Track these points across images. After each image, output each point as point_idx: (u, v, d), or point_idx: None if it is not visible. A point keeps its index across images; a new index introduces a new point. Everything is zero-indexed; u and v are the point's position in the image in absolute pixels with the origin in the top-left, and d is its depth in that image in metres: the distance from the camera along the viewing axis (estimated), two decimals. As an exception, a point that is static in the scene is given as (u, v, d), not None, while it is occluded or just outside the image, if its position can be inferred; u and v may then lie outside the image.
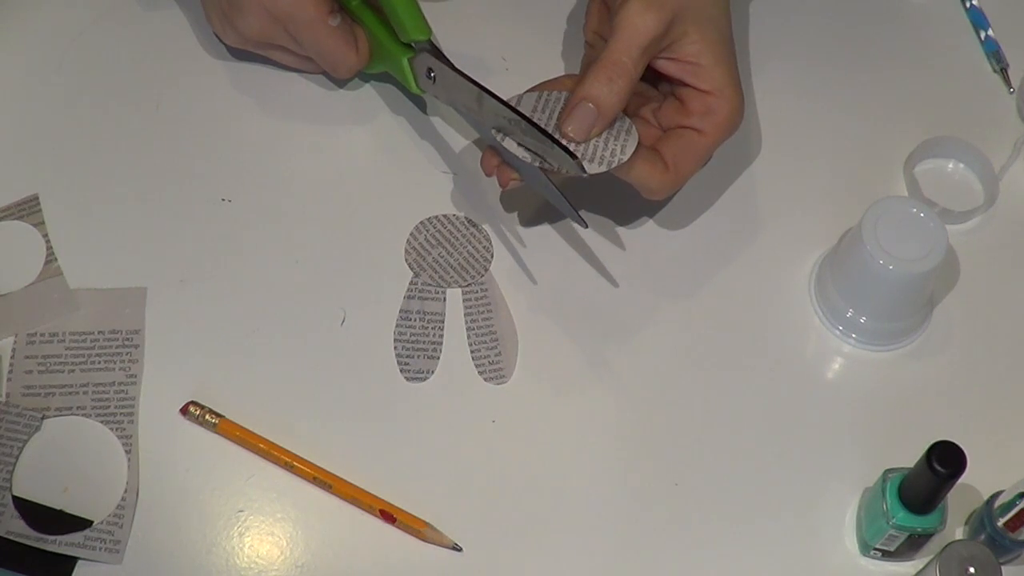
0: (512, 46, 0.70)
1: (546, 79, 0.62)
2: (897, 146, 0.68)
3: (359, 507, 0.58)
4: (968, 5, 0.73)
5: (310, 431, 0.59)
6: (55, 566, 0.56)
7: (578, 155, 0.56)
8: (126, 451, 0.59)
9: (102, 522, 0.57)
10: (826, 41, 0.72)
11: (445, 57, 0.62)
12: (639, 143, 0.58)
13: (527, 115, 0.58)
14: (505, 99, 0.59)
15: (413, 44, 0.62)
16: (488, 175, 0.61)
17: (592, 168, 0.57)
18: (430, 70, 0.62)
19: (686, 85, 0.60)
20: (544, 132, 0.57)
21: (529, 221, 0.66)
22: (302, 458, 0.58)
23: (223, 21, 0.65)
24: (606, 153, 0.57)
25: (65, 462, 0.58)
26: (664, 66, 0.59)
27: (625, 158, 0.57)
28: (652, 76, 0.61)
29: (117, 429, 0.59)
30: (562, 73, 0.63)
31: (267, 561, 0.57)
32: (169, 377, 0.60)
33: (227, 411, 0.59)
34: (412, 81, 0.64)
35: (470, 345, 0.62)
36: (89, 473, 0.58)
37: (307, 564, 0.57)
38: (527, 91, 0.60)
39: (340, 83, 0.69)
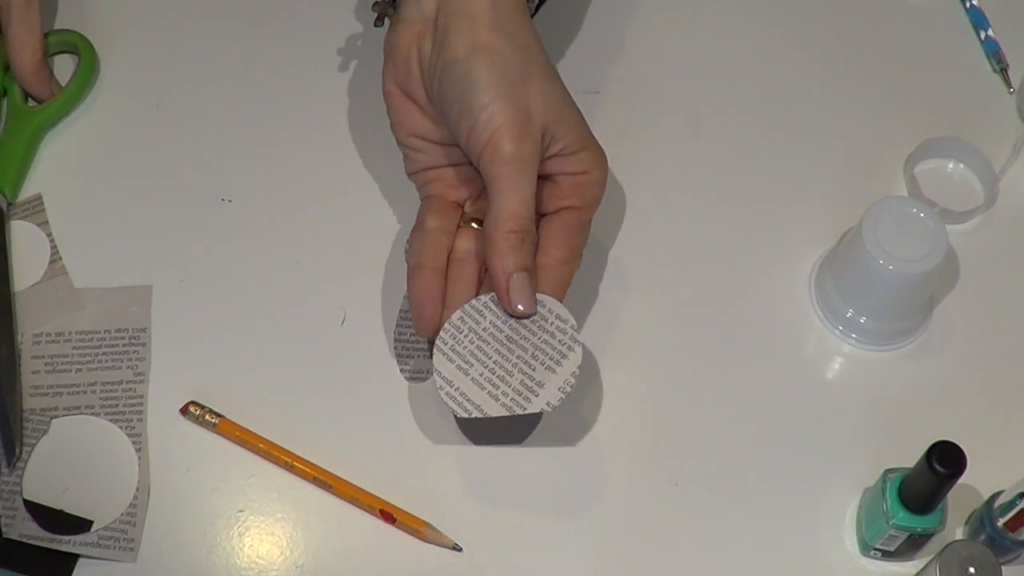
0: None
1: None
2: (897, 146, 0.68)
3: (359, 507, 0.58)
4: (968, 5, 0.73)
5: (310, 431, 0.59)
6: (55, 566, 0.56)
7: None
8: (136, 449, 0.59)
9: (115, 521, 0.57)
10: (826, 41, 0.72)
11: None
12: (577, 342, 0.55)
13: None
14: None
15: None
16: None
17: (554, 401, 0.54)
18: None
19: (558, 172, 0.57)
20: None
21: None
22: (302, 458, 0.58)
23: None
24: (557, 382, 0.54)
25: (75, 461, 0.59)
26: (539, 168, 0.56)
27: (573, 371, 0.54)
28: None
29: (127, 427, 0.59)
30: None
31: (267, 561, 0.57)
32: (169, 377, 0.61)
33: (227, 411, 0.59)
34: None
35: (469, 345, 0.62)
36: (100, 472, 0.58)
37: (307, 564, 0.57)
38: (446, 325, 0.56)
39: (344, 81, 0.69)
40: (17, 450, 0.58)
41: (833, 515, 0.59)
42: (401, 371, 0.61)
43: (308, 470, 0.58)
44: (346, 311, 0.63)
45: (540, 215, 0.57)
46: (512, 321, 0.56)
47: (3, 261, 0.63)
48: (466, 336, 0.56)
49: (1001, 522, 0.55)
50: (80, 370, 0.61)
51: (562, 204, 0.58)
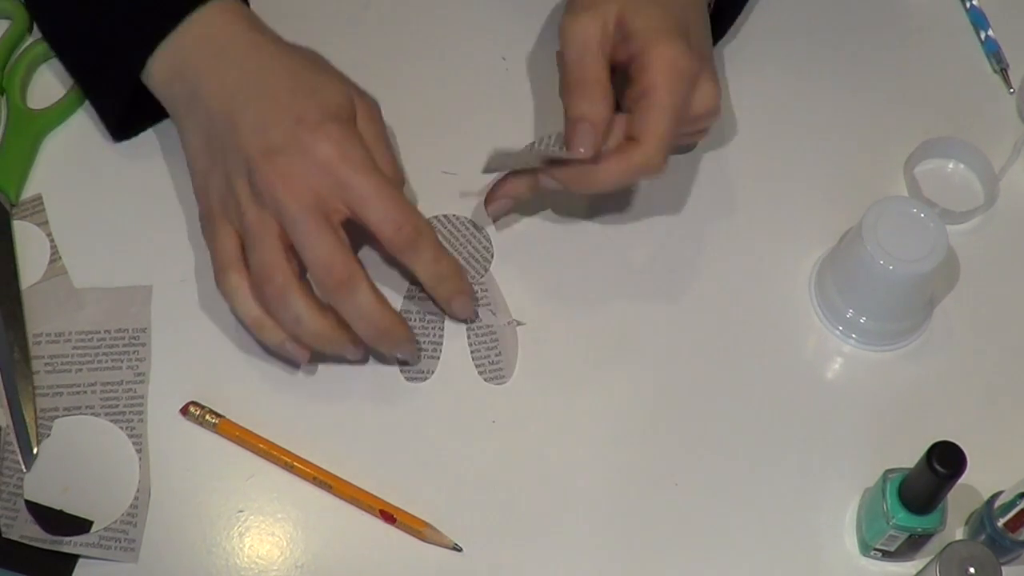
0: (512, 46, 0.70)
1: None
2: (897, 146, 0.68)
3: (359, 507, 0.58)
4: (968, 5, 0.73)
5: (310, 431, 0.59)
6: (55, 566, 0.56)
7: None
8: (137, 450, 0.59)
9: (116, 521, 0.57)
10: (826, 41, 0.72)
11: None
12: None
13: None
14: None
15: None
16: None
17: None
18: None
19: (633, 63, 0.60)
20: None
21: (529, 222, 0.66)
22: (302, 458, 0.58)
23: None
24: None
25: (76, 462, 0.58)
26: (616, 55, 0.60)
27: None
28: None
29: (127, 428, 0.59)
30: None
31: (267, 561, 0.57)
32: (169, 377, 0.60)
33: (227, 411, 0.59)
34: None
35: (470, 345, 0.62)
36: (100, 472, 0.58)
37: (307, 564, 0.57)
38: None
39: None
40: (35, 450, 0.58)
41: (833, 515, 0.59)
42: (401, 371, 0.61)
43: (308, 470, 0.58)
44: (346, 311, 0.63)
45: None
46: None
47: (10, 263, 0.63)
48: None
49: (1001, 522, 0.55)
50: (80, 370, 0.61)
51: (637, 90, 0.59)
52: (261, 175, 0.56)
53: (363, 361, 0.60)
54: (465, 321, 0.62)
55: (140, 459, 0.58)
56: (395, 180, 0.60)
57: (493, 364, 0.62)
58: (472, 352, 0.62)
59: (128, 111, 0.64)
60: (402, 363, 0.61)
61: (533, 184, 0.62)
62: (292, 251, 0.57)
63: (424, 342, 0.62)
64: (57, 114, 0.67)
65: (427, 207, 0.66)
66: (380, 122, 0.61)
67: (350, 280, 0.56)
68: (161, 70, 0.61)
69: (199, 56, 0.60)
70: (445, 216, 0.65)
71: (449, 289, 0.60)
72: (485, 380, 0.61)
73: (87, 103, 0.67)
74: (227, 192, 0.58)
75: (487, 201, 0.64)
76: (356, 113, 0.60)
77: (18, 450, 0.58)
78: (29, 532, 0.56)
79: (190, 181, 0.62)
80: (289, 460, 0.58)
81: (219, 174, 0.58)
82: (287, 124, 0.57)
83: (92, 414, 0.59)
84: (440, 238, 0.64)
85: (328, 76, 0.60)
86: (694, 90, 0.59)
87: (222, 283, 0.58)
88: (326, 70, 0.61)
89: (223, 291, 0.58)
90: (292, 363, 0.60)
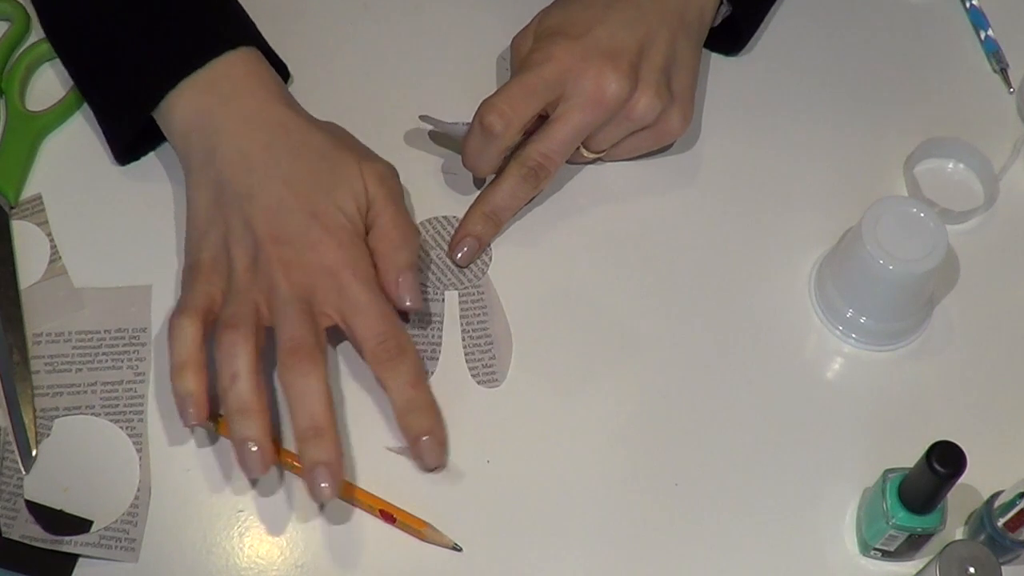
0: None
1: None
2: (897, 146, 0.68)
3: (359, 507, 0.58)
4: (968, 5, 0.73)
5: (310, 431, 0.59)
6: (55, 566, 0.56)
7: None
8: (137, 449, 0.59)
9: (117, 521, 0.57)
10: (826, 41, 0.72)
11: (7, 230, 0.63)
12: None
13: None
14: None
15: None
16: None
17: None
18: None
19: None
20: None
21: (527, 224, 0.66)
22: (302, 458, 0.58)
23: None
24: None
25: (76, 462, 0.58)
26: None
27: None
28: None
29: (127, 427, 0.59)
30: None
31: (267, 561, 0.57)
32: (169, 377, 0.60)
33: (227, 411, 0.59)
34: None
35: (464, 348, 0.62)
36: (100, 472, 0.58)
37: (307, 564, 0.57)
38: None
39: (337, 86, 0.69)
40: (34, 452, 0.58)
41: (833, 515, 0.59)
42: (401, 371, 0.61)
43: (308, 470, 0.58)
44: (346, 311, 0.63)
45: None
46: None
47: (10, 265, 0.62)
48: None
49: (1001, 522, 0.55)
50: (80, 370, 0.61)
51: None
52: (266, 258, 0.57)
53: (252, 483, 0.58)
54: (430, 470, 0.58)
55: (140, 459, 0.58)
56: (409, 237, 0.60)
57: (487, 367, 0.61)
58: (466, 354, 0.62)
59: (137, 139, 0.64)
60: (318, 503, 0.57)
61: (490, 218, 0.63)
62: (262, 331, 0.57)
63: (423, 343, 0.62)
64: (56, 116, 0.67)
65: (427, 208, 0.66)
66: (397, 184, 0.62)
67: (311, 362, 0.56)
68: (182, 117, 0.61)
69: (224, 117, 0.60)
70: (444, 217, 0.65)
71: (420, 423, 0.57)
72: (478, 383, 0.61)
73: (86, 104, 0.67)
74: (222, 253, 0.59)
75: (451, 249, 0.64)
76: (376, 195, 0.60)
77: (17, 452, 0.58)
78: (29, 532, 0.56)
79: (188, 184, 0.63)
80: (289, 460, 0.58)
81: (218, 234, 0.59)
82: (301, 216, 0.58)
83: (92, 414, 0.60)
84: (440, 238, 0.65)
85: (346, 168, 0.60)
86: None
87: (175, 320, 0.57)
88: (344, 155, 0.60)
89: (172, 325, 0.56)
90: (182, 419, 0.56)
